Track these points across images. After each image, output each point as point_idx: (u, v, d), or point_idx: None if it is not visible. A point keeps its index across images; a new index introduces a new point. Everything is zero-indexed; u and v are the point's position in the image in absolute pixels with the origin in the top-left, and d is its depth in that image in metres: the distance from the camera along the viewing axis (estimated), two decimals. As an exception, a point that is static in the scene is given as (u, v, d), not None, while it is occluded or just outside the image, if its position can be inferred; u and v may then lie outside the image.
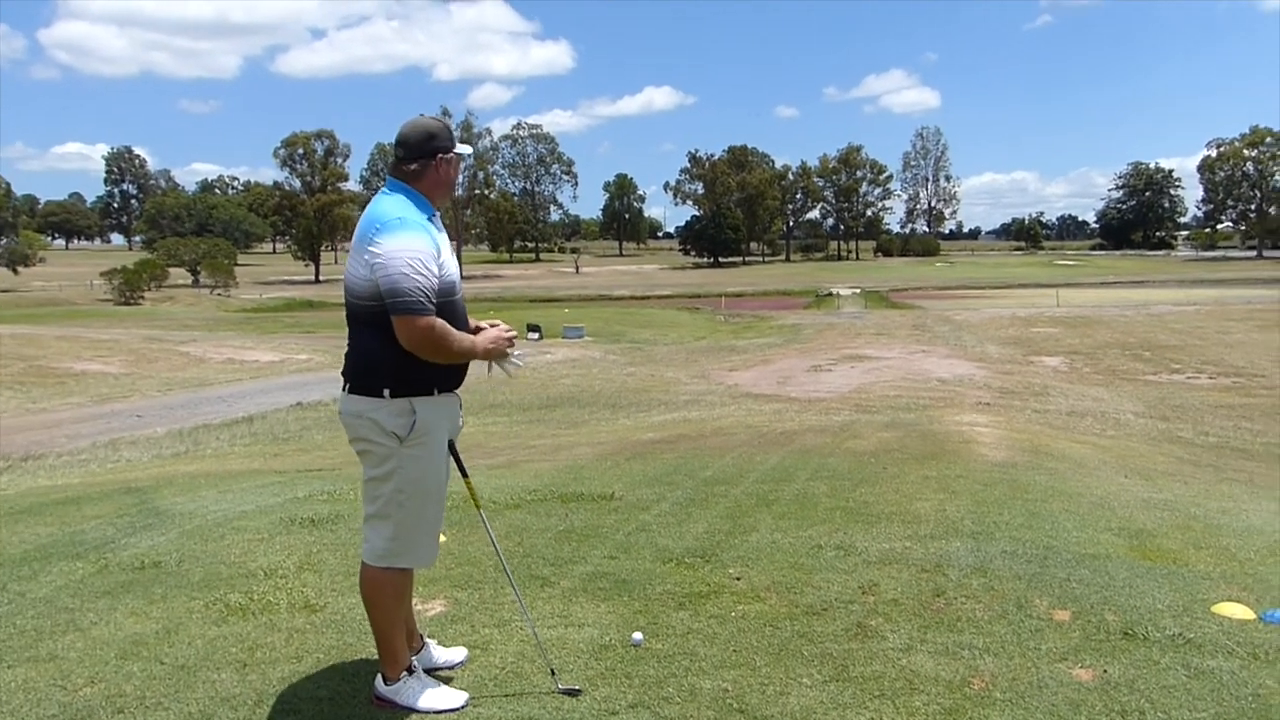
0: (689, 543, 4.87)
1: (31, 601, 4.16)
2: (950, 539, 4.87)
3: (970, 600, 3.93)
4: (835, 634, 3.59)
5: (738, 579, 4.27)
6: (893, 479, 6.64)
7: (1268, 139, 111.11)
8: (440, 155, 3.06)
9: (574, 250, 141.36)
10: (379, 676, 3.09)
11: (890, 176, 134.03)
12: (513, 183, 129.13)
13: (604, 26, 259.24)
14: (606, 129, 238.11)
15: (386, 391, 2.93)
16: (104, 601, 4.09)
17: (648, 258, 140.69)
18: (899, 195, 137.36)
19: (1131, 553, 4.71)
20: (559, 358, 21.46)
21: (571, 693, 3.09)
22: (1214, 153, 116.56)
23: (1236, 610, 3.79)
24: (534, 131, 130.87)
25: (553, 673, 3.17)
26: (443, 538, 3.70)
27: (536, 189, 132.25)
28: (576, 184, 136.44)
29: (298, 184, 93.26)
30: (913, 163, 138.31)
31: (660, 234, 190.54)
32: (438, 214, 3.12)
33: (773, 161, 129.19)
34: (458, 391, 3.15)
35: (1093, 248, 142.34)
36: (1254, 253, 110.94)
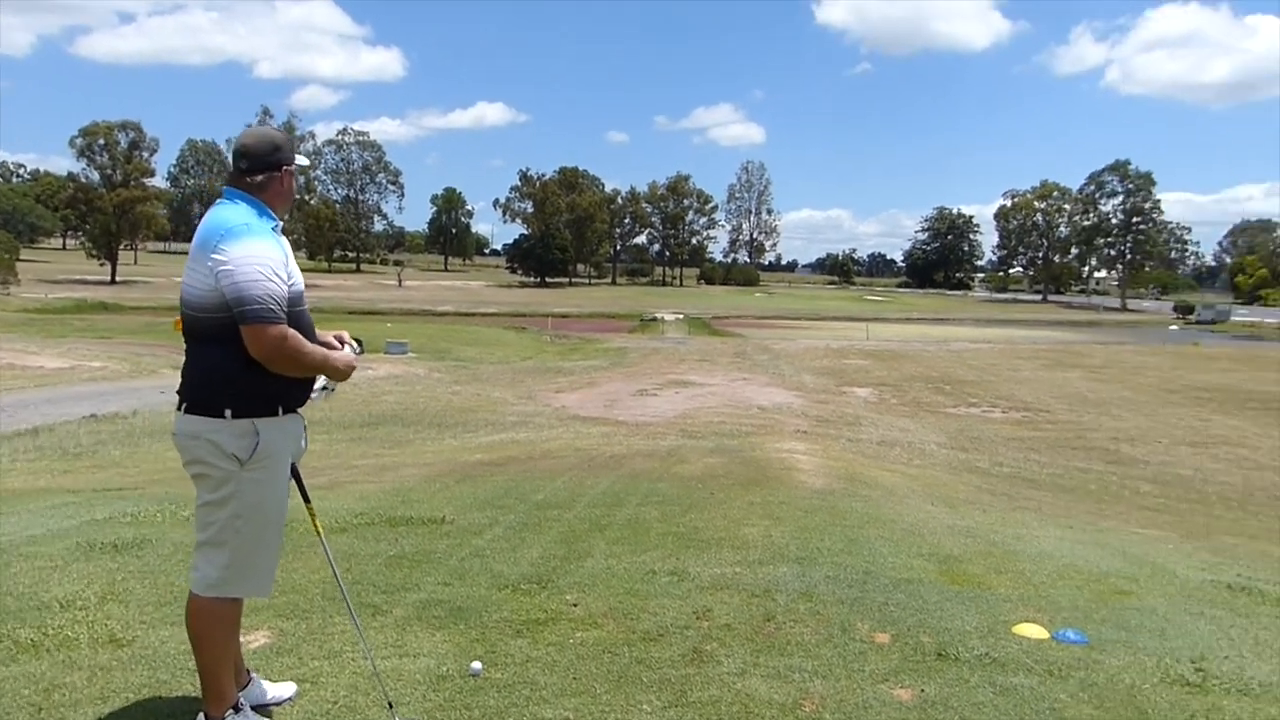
0: (524, 569, 4.85)
1: None
2: (778, 564, 5.05)
3: (798, 624, 4.08)
4: (672, 660, 3.65)
5: (574, 605, 4.28)
6: (720, 505, 6.82)
7: (1055, 193, 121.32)
8: (285, 167, 2.98)
9: (397, 263, 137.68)
10: (201, 716, 2.91)
11: (716, 207, 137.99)
12: (335, 190, 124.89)
13: (439, 37, 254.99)
14: (436, 140, 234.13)
15: (228, 411, 2.79)
16: None
17: (473, 274, 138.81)
18: (723, 225, 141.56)
19: (941, 577, 5.02)
20: (382, 374, 20.88)
21: (408, 726, 3.01)
22: (1009, 202, 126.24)
23: (1033, 630, 4.11)
24: (360, 138, 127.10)
25: (390, 705, 3.08)
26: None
27: (361, 197, 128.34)
28: (403, 195, 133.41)
29: (96, 176, 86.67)
30: (737, 194, 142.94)
31: (487, 250, 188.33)
32: (280, 223, 3.01)
33: (603, 185, 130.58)
34: (300, 411, 3.02)
35: (900, 285, 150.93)
36: (1040, 296, 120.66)
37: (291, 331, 2.79)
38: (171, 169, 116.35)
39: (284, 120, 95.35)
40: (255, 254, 2.74)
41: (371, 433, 12.82)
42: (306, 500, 3.15)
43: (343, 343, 3.18)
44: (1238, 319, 78.29)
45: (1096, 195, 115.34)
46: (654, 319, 64.03)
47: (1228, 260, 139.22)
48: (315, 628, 3.89)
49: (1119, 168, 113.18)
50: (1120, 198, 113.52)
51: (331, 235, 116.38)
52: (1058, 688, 3.48)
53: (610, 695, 3.31)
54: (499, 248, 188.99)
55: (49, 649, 3.59)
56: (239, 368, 2.77)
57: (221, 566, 2.86)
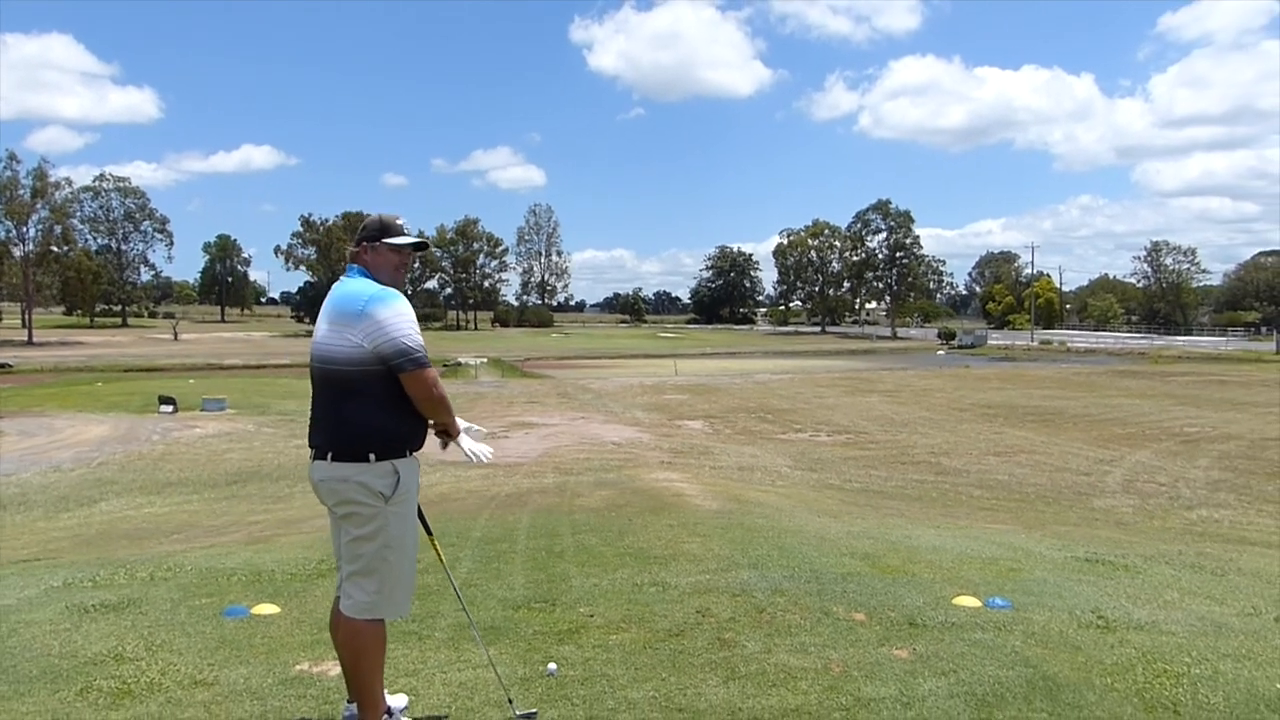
0: (522, 592, 5.34)
1: None
2: (737, 571, 5.78)
3: (787, 614, 4.83)
4: (704, 648, 4.30)
5: (591, 616, 4.84)
6: (645, 529, 7.47)
7: (825, 230, 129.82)
8: (384, 241, 3.45)
9: (169, 315, 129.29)
10: (357, 724, 3.31)
11: (506, 249, 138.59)
12: (95, 239, 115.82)
13: (196, 77, 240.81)
14: (199, 185, 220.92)
15: (372, 456, 3.25)
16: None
17: (254, 324, 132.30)
18: (514, 268, 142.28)
19: (872, 569, 5.92)
20: (210, 432, 20.11)
21: (529, 716, 3.51)
22: (785, 240, 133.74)
23: (970, 601, 5.06)
24: (121, 184, 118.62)
25: (510, 701, 3.58)
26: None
27: (124, 246, 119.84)
28: (172, 243, 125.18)
29: None
30: (526, 237, 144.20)
31: (264, 300, 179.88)
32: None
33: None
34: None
35: (688, 321, 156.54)
36: (819, 328, 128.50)
37: (436, 373, 3.31)
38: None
39: (34, 164, 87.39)
40: (402, 314, 3.25)
41: (242, 490, 12.58)
42: (429, 532, 3.60)
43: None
44: (993, 343, 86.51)
45: (863, 232, 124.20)
46: (458, 363, 63.65)
47: (978, 289, 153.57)
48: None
49: (881, 206, 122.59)
50: (884, 234, 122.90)
51: (95, 288, 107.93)
52: (1009, 638, 4.40)
53: (675, 678, 3.93)
54: (276, 296, 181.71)
55: (140, 695, 3.80)
56: (380, 416, 3.25)
57: (373, 592, 3.29)
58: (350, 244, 3.51)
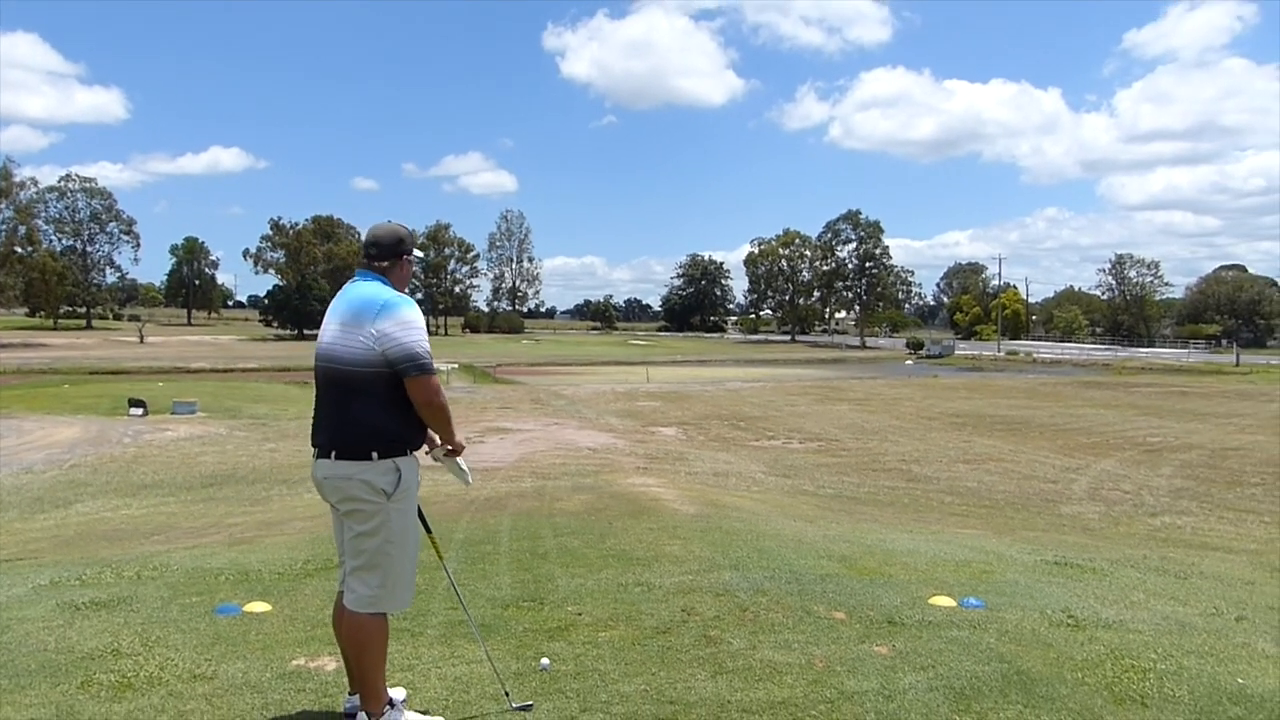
0: (510, 591, 5.44)
1: None
2: (719, 572, 5.92)
3: (769, 612, 4.97)
4: (691, 645, 4.43)
5: (579, 615, 4.95)
6: (625, 531, 7.60)
7: (796, 240, 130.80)
8: (405, 257, 3.59)
9: (134, 318, 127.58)
10: (360, 715, 3.40)
11: (477, 255, 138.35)
12: (60, 240, 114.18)
13: (164, 77, 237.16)
14: (165, 187, 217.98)
15: (375, 454, 3.35)
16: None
17: (221, 328, 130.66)
18: (485, 274, 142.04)
19: (849, 571, 6.08)
20: (182, 435, 19.98)
21: (525, 708, 3.62)
22: (756, 249, 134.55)
23: (945, 601, 5.23)
24: (87, 185, 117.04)
25: (506, 694, 3.68)
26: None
27: (90, 248, 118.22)
28: (138, 245, 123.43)
29: None
30: (498, 243, 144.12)
31: (231, 303, 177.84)
32: None
33: (359, 234, 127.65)
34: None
35: (659, 329, 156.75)
36: (789, 336, 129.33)
37: (440, 384, 3.42)
38: None
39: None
40: (415, 321, 3.37)
41: (219, 493, 12.55)
42: (428, 530, 3.71)
43: None
44: (961, 352, 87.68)
45: (833, 242, 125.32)
46: (431, 369, 63.24)
47: (945, 300, 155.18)
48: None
49: (851, 217, 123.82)
50: (854, 244, 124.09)
51: (59, 290, 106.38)
52: (985, 636, 4.56)
53: (665, 672, 4.05)
54: (244, 299, 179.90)
55: (141, 688, 3.85)
56: (384, 416, 3.36)
57: (376, 586, 3.40)
58: (360, 252, 3.61)
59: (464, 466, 3.69)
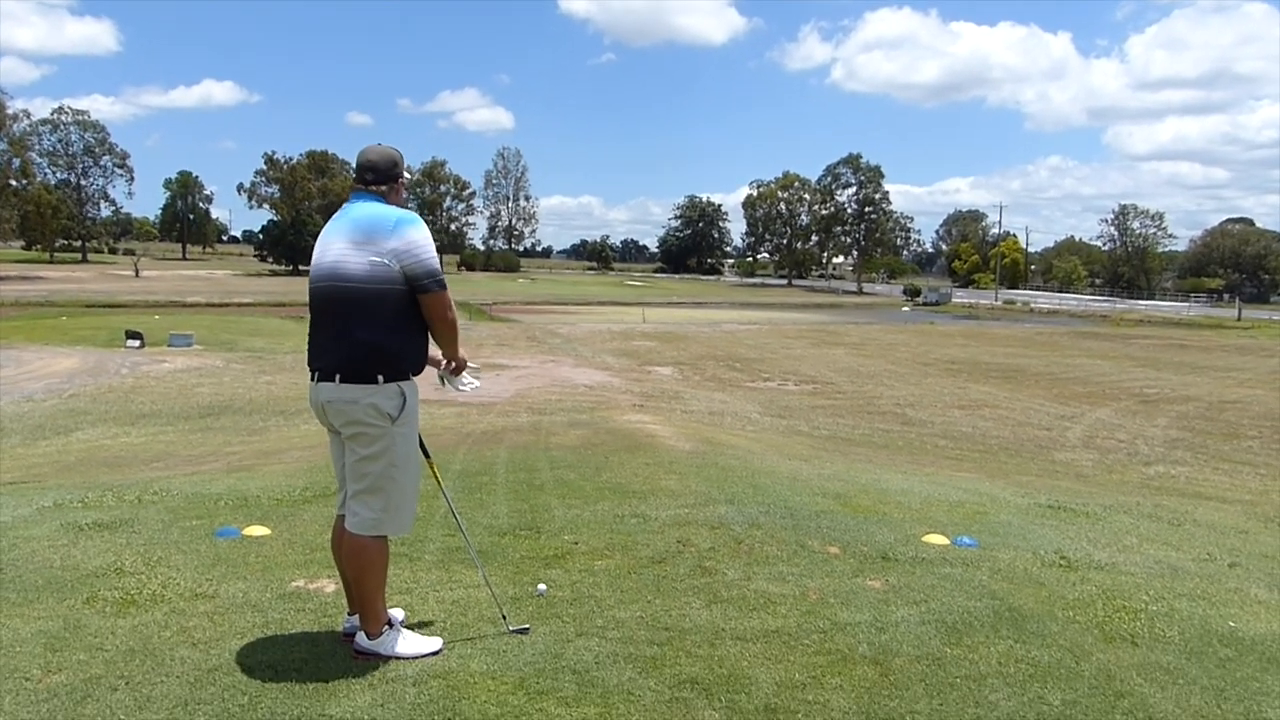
0: (506, 520, 5.48)
1: None
2: (714, 506, 5.95)
3: (764, 545, 5.01)
4: (686, 574, 4.47)
5: (576, 543, 4.99)
6: (620, 465, 7.63)
7: (795, 183, 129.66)
8: (400, 180, 3.54)
9: (129, 252, 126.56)
10: (360, 634, 3.43)
11: (474, 193, 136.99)
12: (54, 173, 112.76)
13: (156, 9, 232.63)
14: (158, 120, 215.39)
15: (380, 378, 3.33)
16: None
17: (215, 262, 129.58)
18: (481, 212, 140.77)
19: (844, 509, 6.12)
20: (179, 366, 19.97)
21: (522, 631, 3.66)
22: (754, 192, 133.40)
23: (938, 539, 5.27)
24: (80, 118, 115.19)
25: (504, 617, 3.72)
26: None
27: (84, 182, 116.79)
28: (132, 179, 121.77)
29: None
30: (494, 181, 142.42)
31: (225, 238, 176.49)
32: None
33: (353, 169, 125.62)
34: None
35: (656, 270, 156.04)
36: (785, 280, 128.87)
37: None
38: None
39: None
40: (428, 237, 3.37)
41: (216, 423, 12.57)
42: (427, 455, 3.70)
43: None
44: (957, 300, 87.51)
45: (833, 186, 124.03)
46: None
47: (944, 247, 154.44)
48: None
49: (852, 161, 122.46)
50: (854, 189, 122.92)
51: (55, 223, 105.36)
52: (977, 573, 4.60)
53: (661, 600, 4.09)
54: (238, 234, 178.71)
55: (144, 604, 3.89)
56: (388, 338, 3.33)
57: (379, 510, 3.40)
58: (352, 176, 3.57)
59: (471, 377, 3.72)
